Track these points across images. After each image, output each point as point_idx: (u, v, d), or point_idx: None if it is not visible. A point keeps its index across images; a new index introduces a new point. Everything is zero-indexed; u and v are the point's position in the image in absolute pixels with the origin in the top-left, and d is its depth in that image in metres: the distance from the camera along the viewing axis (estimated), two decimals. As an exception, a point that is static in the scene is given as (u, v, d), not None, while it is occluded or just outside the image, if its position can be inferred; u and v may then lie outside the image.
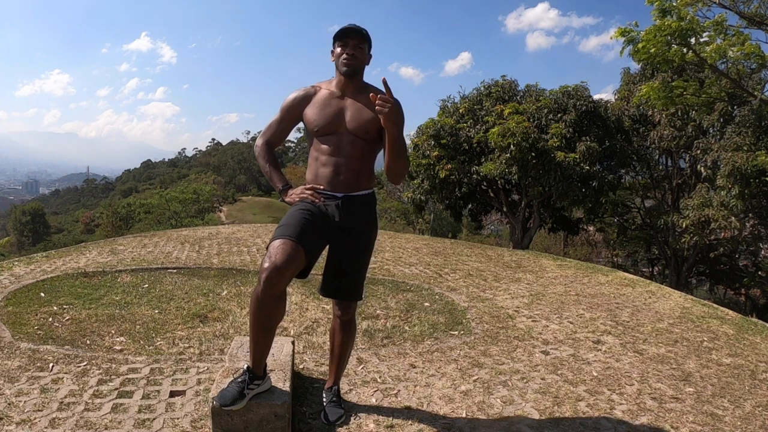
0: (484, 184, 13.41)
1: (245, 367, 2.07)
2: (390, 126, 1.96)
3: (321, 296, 2.57)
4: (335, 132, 2.12)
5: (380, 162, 2.20)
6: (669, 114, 12.47)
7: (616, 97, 14.65)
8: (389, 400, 2.54)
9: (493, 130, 11.42)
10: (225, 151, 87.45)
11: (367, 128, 2.10)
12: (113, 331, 3.25)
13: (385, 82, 1.97)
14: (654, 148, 13.49)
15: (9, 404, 2.28)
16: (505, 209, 13.95)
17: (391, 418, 2.34)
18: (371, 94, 1.99)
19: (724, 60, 9.36)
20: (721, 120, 11.63)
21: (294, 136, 59.58)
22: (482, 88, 13.66)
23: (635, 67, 13.94)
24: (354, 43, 2.07)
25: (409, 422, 2.33)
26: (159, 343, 3.10)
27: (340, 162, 2.12)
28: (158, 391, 2.46)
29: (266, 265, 1.89)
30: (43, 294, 3.95)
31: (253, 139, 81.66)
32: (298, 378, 2.64)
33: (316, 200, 2.11)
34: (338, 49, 2.09)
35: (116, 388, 2.48)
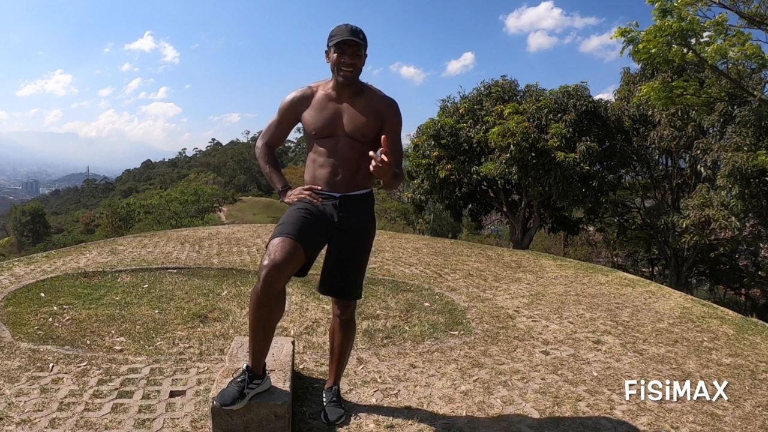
0: (484, 184, 13.41)
1: (245, 366, 2.07)
2: (378, 176, 1.96)
3: (321, 296, 2.58)
4: (332, 135, 2.12)
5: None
6: (669, 114, 12.46)
7: (616, 97, 14.63)
8: (389, 400, 2.54)
9: (493, 130, 11.42)
10: (225, 151, 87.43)
11: (364, 132, 2.11)
12: (113, 331, 3.25)
13: (384, 142, 1.88)
14: (654, 148, 13.47)
15: (9, 404, 2.28)
16: (505, 209, 13.95)
17: (391, 418, 2.34)
18: (373, 155, 1.90)
19: (725, 60, 9.37)
20: (721, 120, 11.63)
21: (294, 136, 59.58)
22: (482, 88, 13.67)
23: (635, 67, 13.94)
24: (351, 51, 2.03)
25: (409, 422, 2.33)
26: (159, 343, 3.10)
27: (338, 163, 2.13)
28: (158, 391, 2.46)
29: (266, 262, 1.90)
30: (43, 294, 3.95)
31: (253, 139, 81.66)
32: (298, 378, 2.64)
33: (314, 200, 2.12)
34: (335, 56, 2.04)
35: (116, 388, 2.48)
